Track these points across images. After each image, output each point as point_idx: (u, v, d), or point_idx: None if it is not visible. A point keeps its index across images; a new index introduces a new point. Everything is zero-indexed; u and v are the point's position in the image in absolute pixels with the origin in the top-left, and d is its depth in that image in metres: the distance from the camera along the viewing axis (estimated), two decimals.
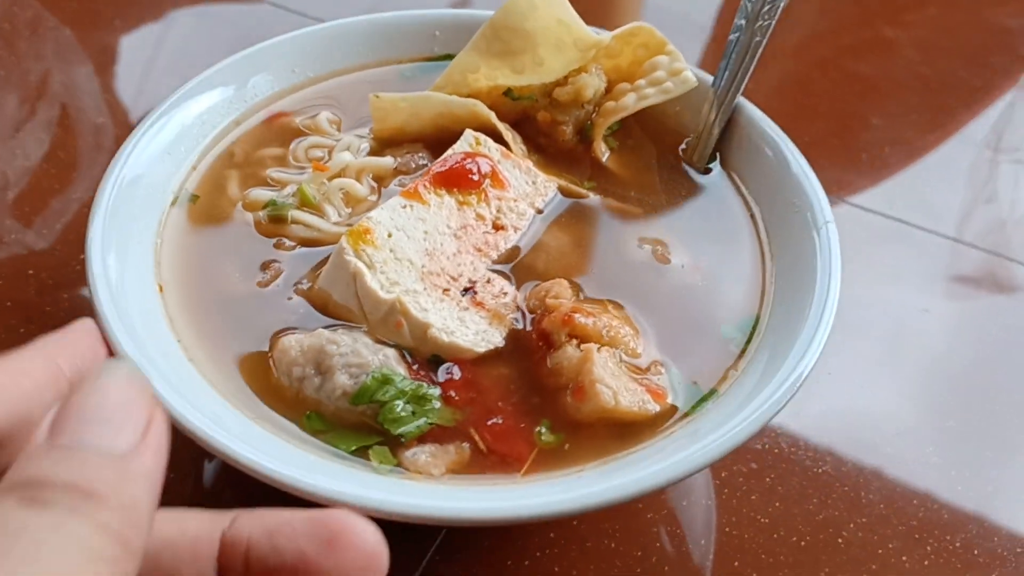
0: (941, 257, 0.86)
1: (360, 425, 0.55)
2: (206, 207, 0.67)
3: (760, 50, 0.73)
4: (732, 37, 0.74)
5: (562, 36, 0.73)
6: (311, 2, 1.06)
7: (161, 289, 0.61)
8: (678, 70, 0.72)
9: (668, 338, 0.61)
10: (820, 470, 0.67)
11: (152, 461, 0.32)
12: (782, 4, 0.73)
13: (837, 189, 0.88)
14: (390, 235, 0.61)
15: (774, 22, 0.73)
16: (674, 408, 0.57)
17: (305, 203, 0.67)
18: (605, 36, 0.73)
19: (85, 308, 0.56)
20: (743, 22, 0.73)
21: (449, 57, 0.79)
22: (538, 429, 0.56)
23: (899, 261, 0.84)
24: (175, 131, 0.69)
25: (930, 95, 1.03)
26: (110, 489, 0.30)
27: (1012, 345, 0.78)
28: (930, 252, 0.85)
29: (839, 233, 0.63)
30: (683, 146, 0.75)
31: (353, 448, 0.54)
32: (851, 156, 0.94)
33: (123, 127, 0.90)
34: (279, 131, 0.74)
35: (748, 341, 0.61)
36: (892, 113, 1.00)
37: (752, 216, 0.69)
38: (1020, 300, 0.84)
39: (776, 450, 0.68)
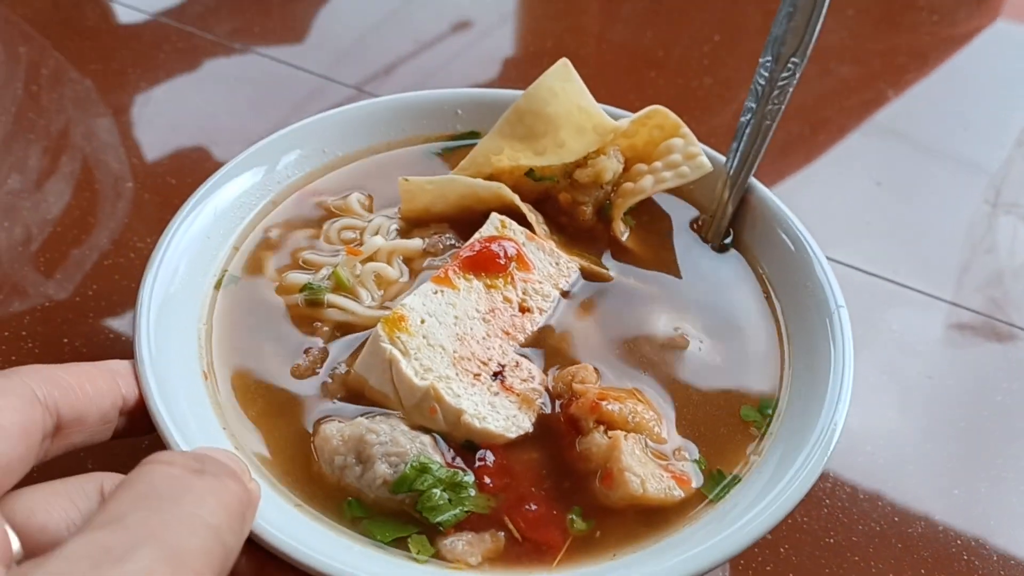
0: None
1: (399, 512, 0.58)
2: (247, 290, 0.70)
3: (771, 133, 0.76)
4: (743, 119, 0.77)
5: (582, 121, 0.76)
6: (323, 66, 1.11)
7: (206, 376, 0.63)
8: (693, 154, 0.76)
9: (690, 422, 0.64)
10: (831, 540, 0.70)
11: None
12: (791, 90, 0.77)
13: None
14: (423, 321, 0.64)
15: (783, 107, 0.76)
16: (700, 494, 0.60)
17: (340, 286, 0.69)
18: (623, 121, 0.77)
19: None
20: (753, 105, 0.77)
21: (473, 135, 0.82)
22: (570, 517, 0.58)
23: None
24: (212, 215, 0.72)
25: None
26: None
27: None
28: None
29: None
30: (699, 222, 0.78)
31: (391, 539, 0.56)
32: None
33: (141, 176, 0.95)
34: (312, 212, 0.77)
35: (768, 424, 0.64)
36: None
37: (768, 296, 0.72)
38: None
39: (789, 520, 0.71)
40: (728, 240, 0.77)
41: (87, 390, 0.52)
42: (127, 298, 0.82)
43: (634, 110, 0.78)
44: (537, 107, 0.77)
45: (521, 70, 1.14)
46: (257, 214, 0.75)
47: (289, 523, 0.55)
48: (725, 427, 0.64)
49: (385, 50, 1.16)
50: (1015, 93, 1.21)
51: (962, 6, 1.34)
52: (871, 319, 0.87)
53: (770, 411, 0.65)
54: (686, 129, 0.78)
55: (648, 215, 0.78)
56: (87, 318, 0.80)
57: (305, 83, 1.09)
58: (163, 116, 1.03)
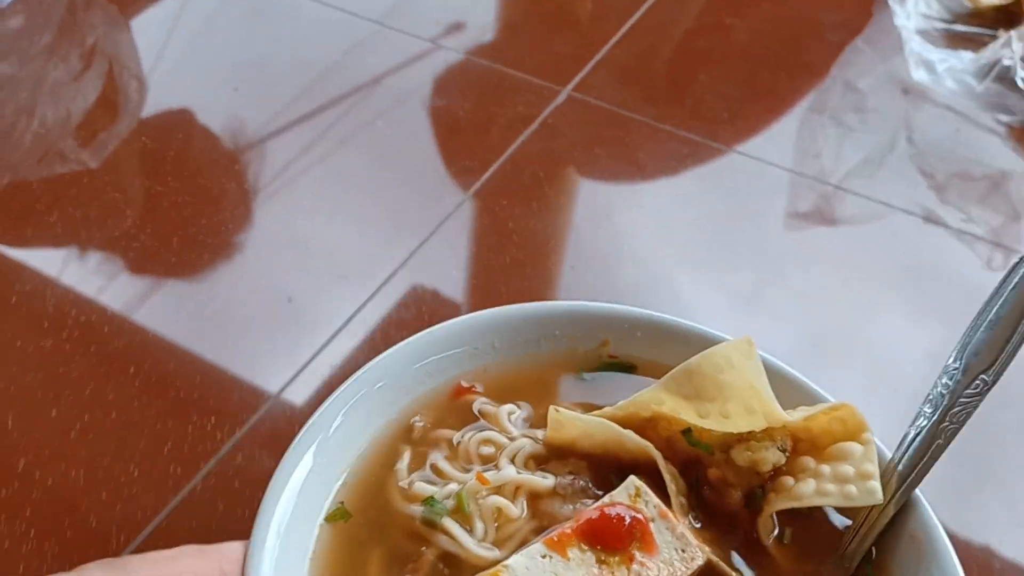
0: None
1: None
2: (375, 484, 0.72)
3: (942, 453, 0.68)
4: (911, 431, 0.70)
5: (752, 402, 0.71)
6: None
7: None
8: (867, 474, 0.68)
9: None
10: None
11: None
12: (974, 411, 0.68)
13: None
14: None
15: (962, 428, 0.68)
16: None
17: (459, 511, 0.69)
18: (799, 414, 0.71)
19: None
20: (927, 422, 0.69)
21: (623, 365, 0.80)
22: None
23: None
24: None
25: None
26: None
27: None
28: None
29: None
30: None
31: None
32: None
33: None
34: (460, 409, 0.77)
35: None
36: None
37: None
38: None
39: None
40: (871, 559, 0.69)
41: None
42: (145, 166, 1.16)
43: None
44: (710, 371, 0.73)
45: None
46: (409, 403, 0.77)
47: None
48: None
49: None
50: None
51: None
52: None
53: None
54: (869, 435, 0.71)
55: (805, 522, 0.72)
56: (105, 184, 1.10)
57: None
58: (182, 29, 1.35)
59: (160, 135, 1.19)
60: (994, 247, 1.14)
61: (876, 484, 0.68)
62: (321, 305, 1.01)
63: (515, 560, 0.63)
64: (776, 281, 1.07)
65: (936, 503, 0.69)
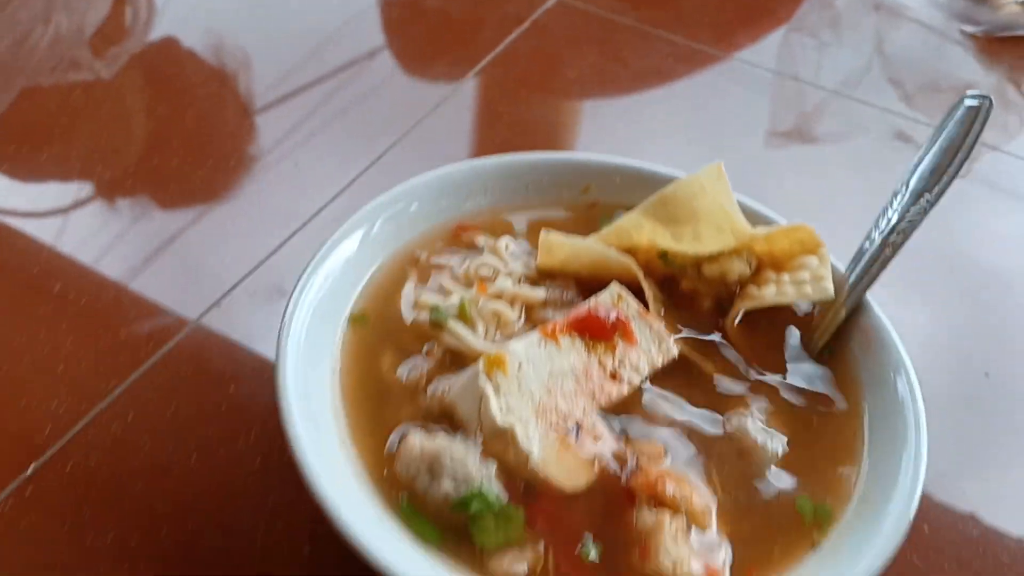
0: None
1: (454, 527, 0.65)
2: (384, 300, 0.80)
3: (889, 262, 0.78)
4: (864, 243, 0.80)
5: (722, 222, 0.81)
6: None
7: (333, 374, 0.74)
8: (820, 276, 0.78)
9: (739, 519, 0.67)
10: None
11: None
12: (919, 225, 0.78)
13: None
14: (520, 367, 0.71)
15: (908, 239, 0.78)
16: None
17: (462, 316, 0.78)
18: (763, 229, 0.80)
19: None
20: (876, 234, 0.79)
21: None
22: (584, 548, 0.64)
23: None
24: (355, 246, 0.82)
25: None
26: None
27: None
28: None
29: None
30: (807, 330, 0.81)
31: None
32: None
33: None
34: (461, 243, 0.86)
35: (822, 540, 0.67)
36: None
37: (860, 420, 0.74)
38: None
39: None
40: (829, 349, 0.79)
41: None
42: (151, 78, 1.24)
43: None
44: (684, 198, 0.82)
45: None
46: (408, 243, 0.85)
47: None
48: (779, 532, 0.67)
49: None
50: None
51: None
52: None
53: (827, 527, 0.67)
54: (825, 251, 0.80)
55: (768, 319, 0.81)
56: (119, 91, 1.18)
57: None
58: None
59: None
60: None
61: (829, 283, 0.78)
62: (324, 169, 1.09)
63: (514, 344, 0.72)
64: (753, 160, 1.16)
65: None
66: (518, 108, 1.20)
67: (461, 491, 0.65)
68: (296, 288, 0.75)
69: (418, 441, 0.68)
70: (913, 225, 0.80)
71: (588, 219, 0.89)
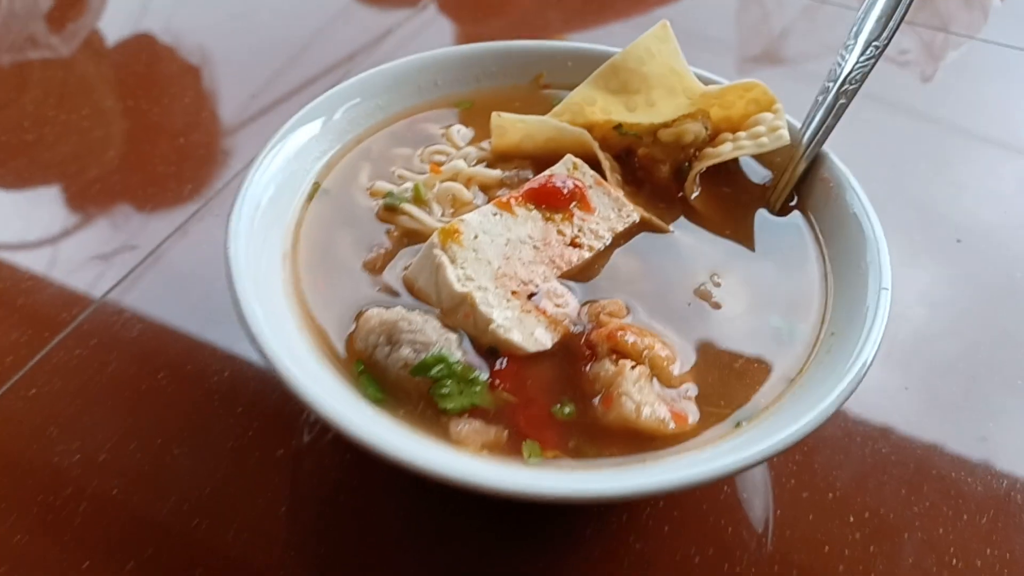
0: None
1: (416, 394, 0.64)
2: (341, 194, 0.79)
3: (844, 111, 0.77)
4: (819, 97, 0.79)
5: (674, 83, 0.79)
6: None
7: (286, 257, 0.73)
8: (776, 127, 0.77)
9: (705, 372, 0.66)
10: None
11: None
12: (870, 72, 0.77)
13: None
14: (476, 237, 0.70)
15: (860, 87, 0.77)
16: (695, 429, 0.62)
17: (417, 199, 0.77)
18: (713, 87, 0.79)
19: None
20: (831, 85, 0.78)
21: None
22: (558, 405, 0.63)
23: None
24: (317, 130, 0.81)
25: None
26: None
27: None
28: None
29: None
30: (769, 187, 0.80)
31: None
32: None
33: None
34: (416, 135, 0.85)
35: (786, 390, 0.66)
36: None
37: (822, 266, 0.73)
38: None
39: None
40: (791, 203, 0.78)
41: None
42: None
43: None
44: (633, 65, 0.81)
45: None
46: (363, 132, 0.84)
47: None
48: (743, 382, 0.66)
49: None
50: None
51: None
52: None
53: (789, 380, 0.66)
54: (780, 106, 0.79)
55: (728, 183, 0.80)
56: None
57: None
58: None
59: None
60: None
61: (785, 132, 0.76)
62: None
63: (470, 216, 0.71)
64: None
65: None
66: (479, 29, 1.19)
67: (421, 356, 0.64)
68: (253, 166, 0.74)
69: (375, 312, 0.67)
70: (865, 72, 0.78)
71: (542, 102, 0.88)
